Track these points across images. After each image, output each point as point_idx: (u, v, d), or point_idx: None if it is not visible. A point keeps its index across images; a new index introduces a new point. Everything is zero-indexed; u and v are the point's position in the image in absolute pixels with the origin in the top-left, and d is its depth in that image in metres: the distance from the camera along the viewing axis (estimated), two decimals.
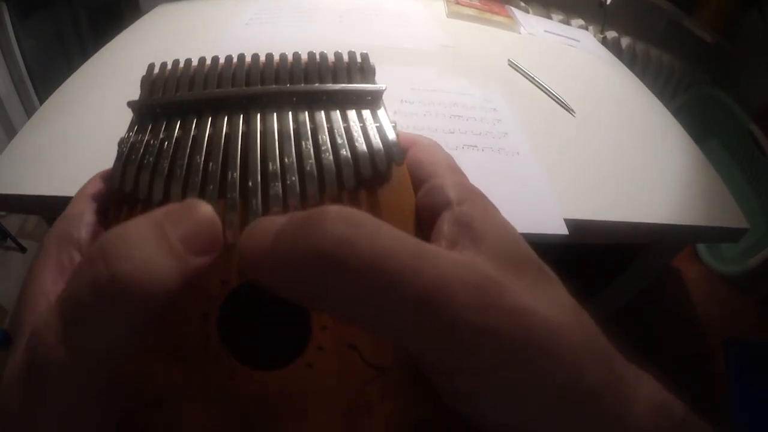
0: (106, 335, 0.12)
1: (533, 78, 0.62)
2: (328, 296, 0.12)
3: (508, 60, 0.65)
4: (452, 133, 0.48)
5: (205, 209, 0.13)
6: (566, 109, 0.58)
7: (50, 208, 0.41)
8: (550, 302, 0.13)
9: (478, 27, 0.75)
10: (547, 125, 0.55)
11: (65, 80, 0.56)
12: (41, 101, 0.52)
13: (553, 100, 0.59)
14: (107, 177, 0.17)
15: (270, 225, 0.12)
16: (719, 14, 1.10)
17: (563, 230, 0.42)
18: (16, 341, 0.13)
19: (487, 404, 0.13)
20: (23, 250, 1.07)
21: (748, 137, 1.04)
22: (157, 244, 0.12)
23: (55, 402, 0.12)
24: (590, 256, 0.68)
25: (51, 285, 0.14)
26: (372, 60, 0.20)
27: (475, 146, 0.47)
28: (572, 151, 0.51)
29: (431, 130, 0.48)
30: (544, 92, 0.60)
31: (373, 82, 0.19)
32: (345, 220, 0.12)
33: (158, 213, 0.13)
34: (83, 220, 0.16)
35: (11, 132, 0.99)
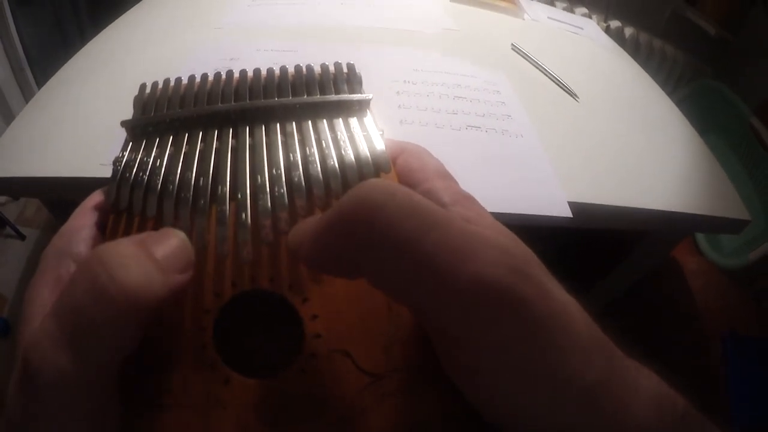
0: (104, 338, 0.12)
1: (536, 62, 0.61)
2: (373, 241, 0.12)
3: (512, 44, 0.64)
4: (455, 114, 0.47)
5: (179, 235, 0.15)
6: (570, 94, 0.57)
7: (49, 189, 0.41)
8: (559, 293, 0.13)
9: (482, 12, 0.74)
10: (551, 109, 0.54)
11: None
12: (40, 88, 0.52)
13: (557, 84, 0.59)
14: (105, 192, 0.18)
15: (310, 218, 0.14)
16: (722, 6, 1.10)
17: (567, 213, 0.41)
18: (16, 354, 0.13)
19: (493, 386, 0.13)
20: (22, 237, 1.07)
21: (750, 131, 1.04)
22: (146, 258, 0.13)
23: (51, 414, 0.12)
24: (589, 246, 0.68)
25: (49, 298, 0.14)
26: (358, 70, 0.20)
27: (479, 127, 0.46)
28: (576, 135, 0.51)
29: (434, 110, 0.47)
30: (548, 77, 0.60)
31: (360, 92, 0.20)
32: (382, 181, 0.13)
33: (139, 236, 0.14)
34: (81, 234, 0.16)
35: (10, 119, 0.99)
